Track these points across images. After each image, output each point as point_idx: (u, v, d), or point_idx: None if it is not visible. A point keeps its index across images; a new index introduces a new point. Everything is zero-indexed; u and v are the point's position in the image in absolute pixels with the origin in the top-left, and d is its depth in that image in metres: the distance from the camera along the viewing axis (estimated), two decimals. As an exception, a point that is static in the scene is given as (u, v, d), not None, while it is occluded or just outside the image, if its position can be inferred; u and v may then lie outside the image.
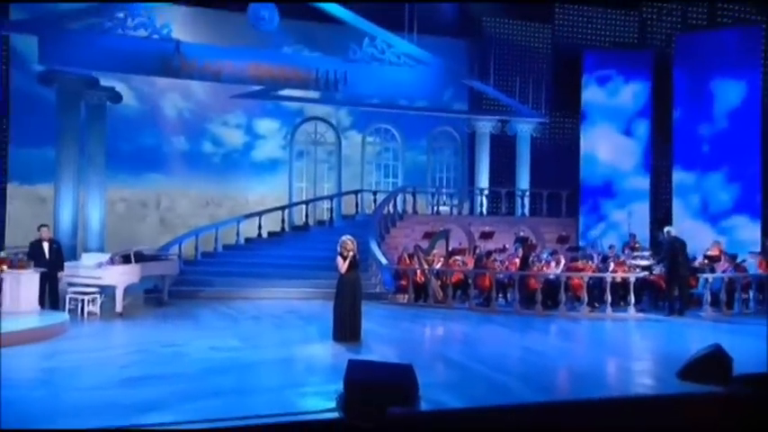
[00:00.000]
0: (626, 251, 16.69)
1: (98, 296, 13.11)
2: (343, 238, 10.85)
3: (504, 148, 22.09)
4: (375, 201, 20.46)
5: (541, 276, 14.78)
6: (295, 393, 7.30)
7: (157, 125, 20.47)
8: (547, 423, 5.62)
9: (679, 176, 19.95)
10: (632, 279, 14.55)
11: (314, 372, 8.58)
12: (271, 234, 19.63)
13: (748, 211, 19.04)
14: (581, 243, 20.34)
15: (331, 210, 21.27)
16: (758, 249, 17.02)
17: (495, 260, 15.69)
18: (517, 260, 15.54)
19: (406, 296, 15.96)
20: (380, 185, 22.63)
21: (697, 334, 11.69)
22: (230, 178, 21.13)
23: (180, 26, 18.83)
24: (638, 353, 10.95)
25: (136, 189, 20.13)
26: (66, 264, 13.32)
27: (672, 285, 14.31)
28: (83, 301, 12.83)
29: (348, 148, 22.69)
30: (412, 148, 23.33)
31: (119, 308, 12.91)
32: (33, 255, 12.59)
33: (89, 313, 12.81)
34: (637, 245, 17.27)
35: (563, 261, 15.26)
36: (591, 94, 21.07)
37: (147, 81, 19.63)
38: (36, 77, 18.10)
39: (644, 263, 15.28)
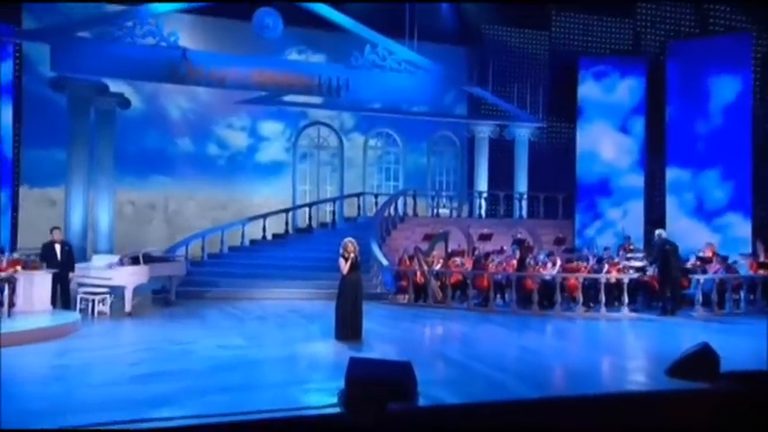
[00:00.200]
0: (620, 253, 16.79)
1: (108, 296, 13.20)
2: (345, 240, 10.89)
3: (502, 152, 22.24)
4: (376, 203, 20.56)
5: (538, 277, 14.86)
6: (298, 390, 7.34)
7: (163, 127, 20.54)
8: (542, 418, 5.85)
9: (674, 174, 19.95)
10: (626, 280, 14.66)
11: (316, 369, 8.65)
12: (275, 236, 19.74)
13: (742, 209, 19.10)
14: (577, 241, 20.49)
15: (333, 212, 21.44)
16: (749, 251, 17.18)
17: (492, 261, 15.76)
18: (514, 261, 15.58)
19: (407, 296, 16.05)
20: (382, 188, 22.74)
21: (688, 333, 11.67)
22: (235, 181, 21.20)
23: (187, 34, 19.10)
24: (630, 351, 11.01)
25: (143, 192, 20.22)
26: (77, 265, 13.41)
27: (664, 286, 14.42)
28: (93, 301, 12.94)
29: (350, 151, 22.79)
30: (413, 152, 23.47)
31: (128, 307, 13.01)
32: (46, 256, 12.71)
33: (99, 313, 12.91)
34: (631, 246, 17.38)
35: (559, 262, 15.36)
36: (587, 89, 21.10)
37: (153, 84, 19.68)
38: (48, 84, 18.27)
39: (638, 264, 15.39)
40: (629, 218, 20.20)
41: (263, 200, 21.10)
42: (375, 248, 17.28)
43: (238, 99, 20.12)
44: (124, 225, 19.56)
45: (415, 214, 20.46)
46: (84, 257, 15.79)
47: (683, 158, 19.86)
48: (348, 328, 10.51)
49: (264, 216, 19.64)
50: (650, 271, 14.97)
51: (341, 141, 22.80)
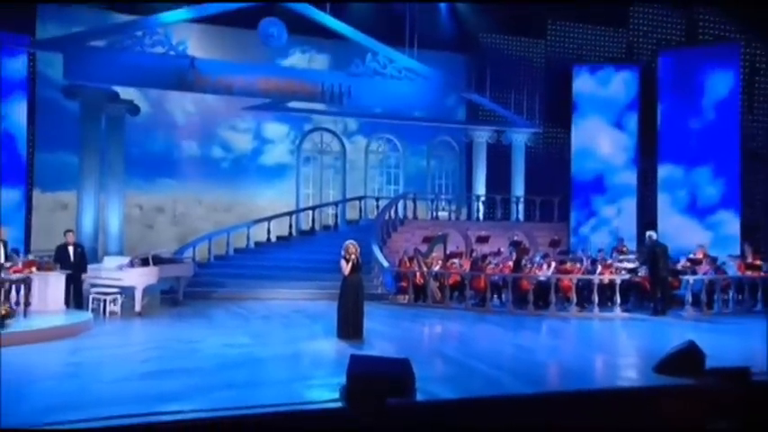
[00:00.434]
0: (614, 254, 17.02)
1: (119, 296, 13.41)
2: (347, 242, 11.11)
3: (499, 157, 22.40)
4: (378, 206, 20.71)
5: (533, 278, 15.09)
6: (302, 385, 7.53)
7: (169, 131, 20.63)
8: (536, 413, 6.08)
9: (666, 171, 19.97)
10: (618, 281, 14.88)
11: (319, 366, 8.86)
12: (279, 238, 19.92)
13: (733, 207, 19.19)
14: (572, 239, 20.73)
15: (336, 215, 21.62)
16: (737, 252, 17.40)
17: (490, 263, 16.01)
18: (511, 263, 15.82)
19: (406, 297, 16.27)
20: (383, 191, 22.94)
21: (677, 332, 11.79)
22: (240, 184, 21.23)
23: (195, 43, 19.39)
24: (620, 349, 11.25)
25: (151, 195, 20.29)
26: (89, 266, 13.69)
27: (655, 287, 14.63)
28: (105, 301, 13.17)
29: (352, 155, 22.94)
30: (413, 156, 23.60)
31: (138, 307, 13.24)
32: (59, 258, 12.97)
33: (110, 312, 13.14)
34: (624, 248, 17.62)
35: (554, 264, 15.59)
36: (582, 83, 21.25)
37: (160, 90, 19.70)
38: (61, 91, 18.50)
39: (630, 265, 15.59)
40: (622, 216, 20.33)
41: (267, 203, 21.13)
42: (376, 250, 17.47)
43: (244, 105, 20.26)
44: (133, 228, 19.68)
45: (415, 217, 20.56)
46: (96, 259, 15.92)
47: (675, 155, 19.85)
48: (349, 326, 10.67)
49: (269, 219, 19.82)
50: (642, 272, 15.18)
51: (343, 146, 22.92)
